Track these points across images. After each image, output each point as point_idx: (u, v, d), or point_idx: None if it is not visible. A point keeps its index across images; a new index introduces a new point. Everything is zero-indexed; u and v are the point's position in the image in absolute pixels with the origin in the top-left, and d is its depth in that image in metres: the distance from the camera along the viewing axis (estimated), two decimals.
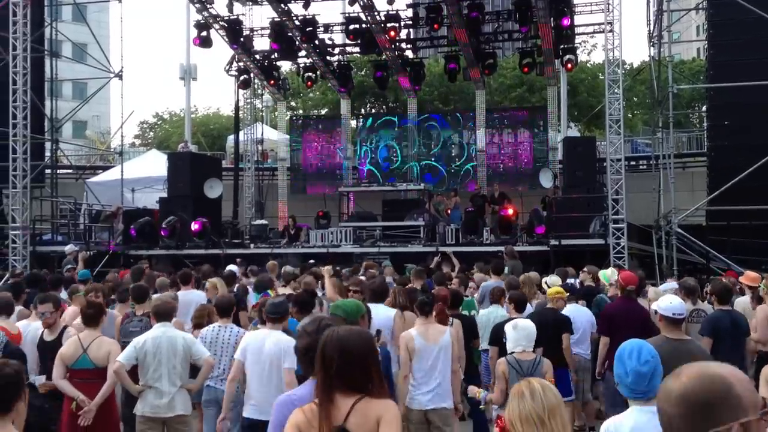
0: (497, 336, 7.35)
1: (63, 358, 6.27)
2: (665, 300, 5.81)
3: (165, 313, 6.56)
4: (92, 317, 6.51)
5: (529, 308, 8.42)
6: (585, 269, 11.00)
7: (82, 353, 6.25)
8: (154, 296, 8.57)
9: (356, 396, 3.09)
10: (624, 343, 3.61)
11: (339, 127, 26.80)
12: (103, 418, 6.21)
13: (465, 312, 8.61)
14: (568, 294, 8.71)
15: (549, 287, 9.03)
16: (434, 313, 6.71)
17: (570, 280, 10.21)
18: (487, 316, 8.63)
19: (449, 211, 21.10)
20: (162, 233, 19.35)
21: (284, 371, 5.68)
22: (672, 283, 11.04)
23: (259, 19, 24.57)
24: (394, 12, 22.01)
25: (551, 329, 7.53)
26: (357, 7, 21.83)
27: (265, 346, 5.87)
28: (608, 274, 9.87)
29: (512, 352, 6.06)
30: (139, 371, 6.34)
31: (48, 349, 6.68)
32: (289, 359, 5.59)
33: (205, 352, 6.51)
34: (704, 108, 26.71)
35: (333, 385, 3.11)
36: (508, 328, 6.30)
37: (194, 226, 19.17)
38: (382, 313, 7.12)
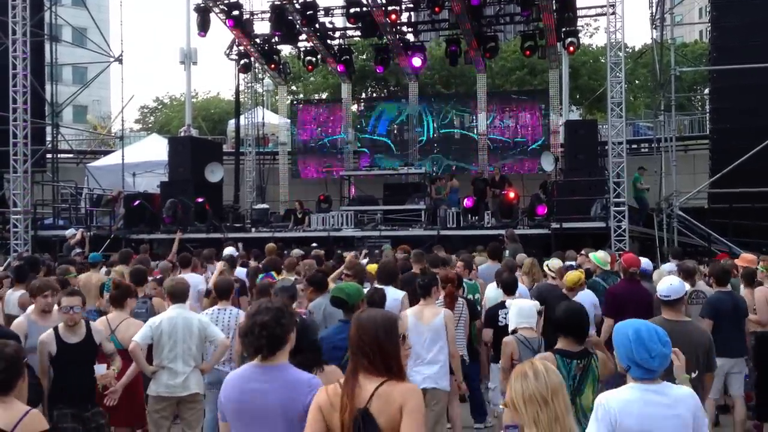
0: (492, 318, 7.36)
1: None
2: (661, 281, 5.84)
3: (180, 294, 6.59)
4: (117, 298, 6.61)
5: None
6: (582, 252, 10.98)
7: (110, 334, 6.38)
8: (168, 278, 8.56)
9: (380, 379, 3.13)
10: (633, 324, 3.56)
11: (339, 110, 26.74)
12: (128, 398, 6.30)
13: (469, 296, 8.58)
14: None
15: (551, 270, 9.03)
16: (433, 296, 6.72)
17: (570, 263, 10.20)
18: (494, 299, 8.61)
19: (448, 195, 21.12)
20: (165, 221, 19.39)
21: None
22: (671, 265, 11.03)
23: (259, 2, 24.51)
24: None
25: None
26: None
27: None
28: (600, 257, 9.86)
29: (515, 330, 6.08)
30: (154, 351, 6.38)
31: (69, 353, 5.90)
32: None
33: (221, 334, 6.53)
34: (706, 91, 26.62)
35: (358, 365, 3.18)
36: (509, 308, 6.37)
37: (198, 200, 19.40)
38: (390, 295, 7.15)
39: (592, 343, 5.01)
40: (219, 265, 10.05)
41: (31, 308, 7.05)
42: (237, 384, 3.58)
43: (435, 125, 25.60)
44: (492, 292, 8.50)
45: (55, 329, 5.98)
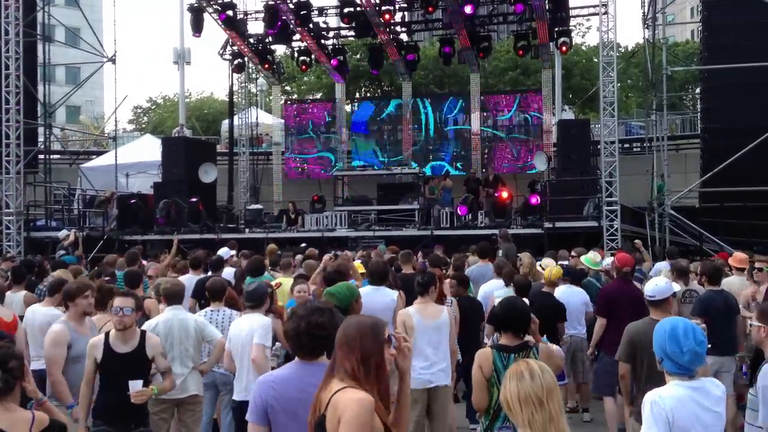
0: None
1: None
2: (649, 282, 5.90)
3: (175, 296, 6.56)
4: (102, 301, 6.54)
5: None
6: (573, 254, 11.04)
7: None
8: (162, 279, 8.55)
9: (344, 384, 3.06)
10: (673, 320, 3.69)
11: (334, 110, 26.75)
12: None
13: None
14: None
15: (544, 269, 9.07)
16: (431, 294, 6.75)
17: (563, 262, 10.25)
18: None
19: (441, 195, 21.14)
20: (158, 221, 19.37)
21: (252, 347, 5.85)
22: (665, 263, 11.09)
23: (253, 2, 24.52)
24: None
25: (548, 314, 7.58)
26: None
27: (243, 331, 6.06)
28: (590, 258, 9.92)
29: None
30: None
31: (115, 363, 5.43)
32: (257, 335, 5.85)
33: (218, 334, 6.51)
34: (698, 90, 26.73)
35: (336, 365, 3.15)
36: None
37: (191, 200, 19.37)
38: (385, 295, 7.19)
39: (534, 341, 5.07)
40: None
41: (49, 311, 7.02)
42: (292, 382, 3.48)
43: (428, 124, 25.67)
44: (501, 291, 8.48)
45: (107, 335, 5.54)
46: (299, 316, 3.56)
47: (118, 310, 5.44)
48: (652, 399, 3.54)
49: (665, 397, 3.53)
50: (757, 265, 8.67)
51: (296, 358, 3.57)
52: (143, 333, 5.67)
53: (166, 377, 5.70)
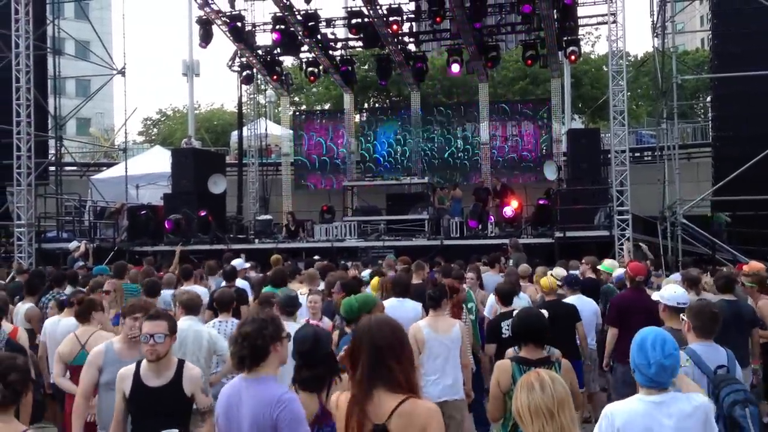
0: (494, 331, 7.21)
1: (62, 356, 6.25)
2: (669, 290, 5.78)
3: (194, 307, 6.55)
4: (83, 313, 6.51)
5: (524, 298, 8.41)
6: (584, 261, 10.97)
7: (80, 349, 6.21)
8: (182, 289, 8.56)
9: (400, 396, 3.04)
10: (645, 330, 3.57)
11: (342, 121, 26.77)
12: None
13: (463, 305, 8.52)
14: (564, 285, 8.68)
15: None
16: (444, 307, 6.68)
17: (574, 272, 10.19)
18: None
19: (451, 204, 21.11)
20: (167, 226, 19.40)
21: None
22: (675, 275, 11.00)
23: (261, 14, 24.64)
24: (396, 5, 21.95)
25: (561, 320, 7.50)
26: (359, 1, 21.78)
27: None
28: (608, 265, 9.84)
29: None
30: None
31: (145, 399, 4.52)
32: None
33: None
34: (708, 98, 26.62)
35: (371, 378, 3.09)
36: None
37: (201, 212, 19.46)
38: (409, 307, 7.14)
39: (557, 356, 4.99)
40: None
41: (69, 321, 6.96)
42: (224, 394, 3.68)
43: (437, 139, 25.66)
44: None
45: (138, 364, 4.64)
46: (237, 326, 3.71)
47: (148, 337, 4.52)
48: (604, 413, 3.48)
49: (617, 412, 3.45)
50: (742, 279, 8.41)
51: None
52: (181, 363, 4.74)
53: (207, 419, 4.68)
